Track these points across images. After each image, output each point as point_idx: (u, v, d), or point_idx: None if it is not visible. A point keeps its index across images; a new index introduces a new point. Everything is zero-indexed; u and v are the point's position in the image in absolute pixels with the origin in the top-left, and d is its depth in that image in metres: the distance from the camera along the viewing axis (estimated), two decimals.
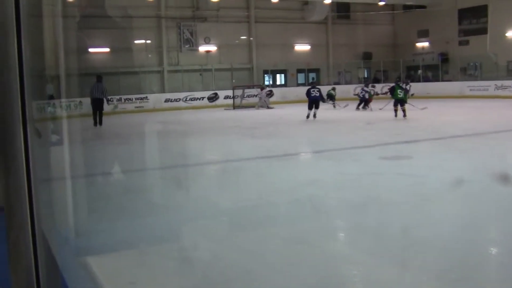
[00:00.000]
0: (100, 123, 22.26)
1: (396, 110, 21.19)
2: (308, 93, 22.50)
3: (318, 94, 22.34)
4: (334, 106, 28.24)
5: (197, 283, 5.14)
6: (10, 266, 1.18)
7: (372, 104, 26.44)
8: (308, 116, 22.15)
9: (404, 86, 22.86)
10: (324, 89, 29.90)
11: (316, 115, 22.02)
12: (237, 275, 5.24)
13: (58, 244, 1.43)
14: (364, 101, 26.58)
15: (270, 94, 34.34)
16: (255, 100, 32.58)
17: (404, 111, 21.02)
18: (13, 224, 1.16)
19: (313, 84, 24.73)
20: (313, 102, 22.15)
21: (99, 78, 23.15)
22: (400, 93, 21.16)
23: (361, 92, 27.29)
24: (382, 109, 23.88)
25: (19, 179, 1.16)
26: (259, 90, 32.64)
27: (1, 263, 1.30)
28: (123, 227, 7.05)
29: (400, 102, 21.16)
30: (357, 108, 26.73)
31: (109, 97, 24.39)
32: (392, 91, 21.51)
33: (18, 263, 1.17)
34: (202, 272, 5.43)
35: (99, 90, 22.62)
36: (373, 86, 28.92)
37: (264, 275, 5.21)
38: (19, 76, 1.18)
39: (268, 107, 31.01)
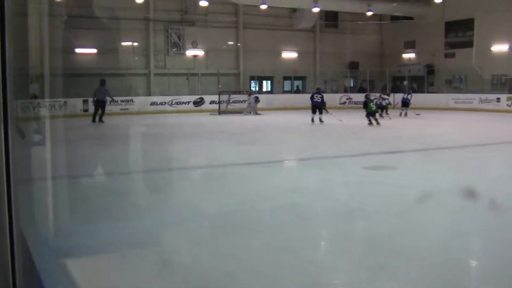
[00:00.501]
0: (101, 120, 25.00)
1: (370, 120, 22.52)
2: (311, 97, 24.22)
3: (320, 100, 23.80)
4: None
5: (178, 287, 5.11)
6: None
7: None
8: (312, 120, 23.59)
9: (407, 96, 28.35)
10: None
11: (322, 120, 23.47)
12: (218, 279, 5.22)
13: (37, 245, 1.41)
14: (382, 109, 26.77)
15: (257, 100, 34.39)
16: (241, 106, 32.59)
17: (376, 120, 22.54)
18: None
19: (318, 90, 25.88)
20: (315, 107, 23.75)
21: (102, 82, 25.74)
22: (372, 106, 22.78)
23: (379, 100, 27.40)
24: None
25: None
26: (247, 96, 32.65)
27: None
28: (104, 229, 7.00)
29: (372, 114, 22.59)
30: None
31: (114, 98, 27.33)
32: (366, 105, 22.92)
33: None
34: (182, 276, 5.41)
35: (102, 93, 25.28)
36: (388, 95, 29.13)
37: (245, 279, 5.20)
38: (1, 75, 1.16)
39: (256, 113, 31.02)
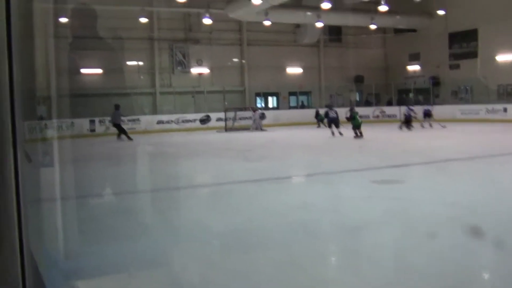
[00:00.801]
0: (128, 138, 26.71)
1: (356, 132, 23.51)
2: (326, 114, 26.14)
3: (335, 115, 25.13)
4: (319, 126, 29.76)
5: None
6: None
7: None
8: (333, 134, 24.55)
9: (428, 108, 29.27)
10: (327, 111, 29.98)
11: (342, 133, 24.30)
12: None
13: (47, 266, 1.41)
14: (408, 120, 26.95)
15: (263, 116, 34.43)
16: (247, 122, 32.62)
17: (361, 132, 23.39)
18: (2, 246, 1.14)
19: (330, 106, 27.00)
20: (332, 122, 25.12)
21: (116, 106, 27.43)
22: (358, 120, 23.64)
23: (407, 111, 27.49)
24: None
25: (9, 200, 1.14)
26: (252, 112, 32.68)
27: None
28: (112, 249, 6.98)
29: (358, 127, 23.50)
30: (400, 127, 27.27)
31: (125, 118, 28.97)
32: (352, 118, 24.11)
33: (5, 285, 1.15)
34: None
35: (116, 116, 27.10)
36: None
37: None
38: (10, 97, 1.17)
39: (262, 129, 31.04)
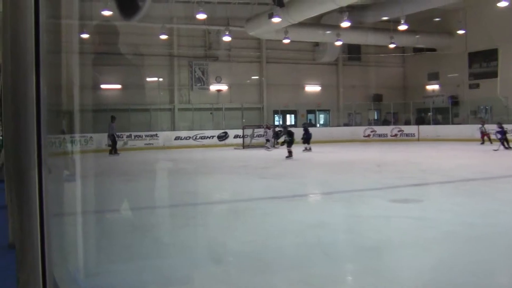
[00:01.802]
0: (115, 152, 27.50)
1: (290, 152, 23.63)
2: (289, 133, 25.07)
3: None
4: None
5: None
6: None
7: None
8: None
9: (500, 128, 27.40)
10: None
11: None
12: None
13: (67, 284, 1.42)
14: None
15: (282, 132, 34.50)
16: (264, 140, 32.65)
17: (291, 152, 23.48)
18: (24, 264, 1.15)
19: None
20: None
21: (112, 118, 27.87)
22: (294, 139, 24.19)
23: (498, 129, 27.21)
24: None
25: (32, 216, 1.15)
26: (265, 129, 32.58)
27: None
28: (131, 268, 6.99)
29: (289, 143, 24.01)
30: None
31: (117, 134, 29.05)
32: (290, 136, 24.44)
33: None
34: None
35: (111, 128, 27.59)
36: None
37: None
38: (36, 111, 1.18)
39: (275, 147, 30.97)
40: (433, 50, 39.51)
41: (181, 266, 7.12)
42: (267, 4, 30.47)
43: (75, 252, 4.33)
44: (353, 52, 41.37)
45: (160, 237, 9.06)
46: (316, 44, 39.71)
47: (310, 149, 28.02)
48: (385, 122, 40.16)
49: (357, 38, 36.76)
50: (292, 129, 30.24)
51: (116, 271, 6.79)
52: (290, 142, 23.99)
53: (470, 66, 38.01)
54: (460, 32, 36.21)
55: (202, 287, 6.35)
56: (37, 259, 1.14)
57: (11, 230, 2.35)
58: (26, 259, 1.16)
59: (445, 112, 38.46)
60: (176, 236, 8.93)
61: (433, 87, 41.38)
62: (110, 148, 27.67)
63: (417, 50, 40.65)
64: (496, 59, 35.91)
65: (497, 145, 26.44)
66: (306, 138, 28.22)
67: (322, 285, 6.08)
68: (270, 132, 31.84)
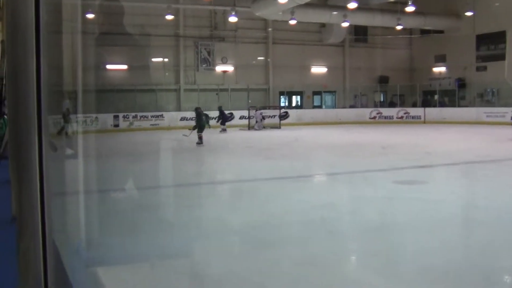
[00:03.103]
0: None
1: (200, 137, 21.50)
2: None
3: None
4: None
5: None
6: (19, 275, 1.20)
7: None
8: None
9: None
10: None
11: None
12: None
13: (69, 254, 1.45)
14: None
15: (286, 115, 34.57)
16: (271, 121, 32.66)
17: (201, 138, 21.40)
18: (24, 234, 1.19)
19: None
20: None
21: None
22: (205, 121, 22.05)
23: None
24: None
25: (32, 189, 1.18)
26: (254, 111, 32.61)
27: (11, 272, 1.32)
28: (133, 241, 7.06)
29: (200, 128, 21.72)
30: None
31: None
32: (199, 119, 22.10)
33: (27, 271, 1.19)
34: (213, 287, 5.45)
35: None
36: None
37: None
38: (37, 91, 1.21)
39: (261, 129, 31.08)
40: (441, 32, 39.21)
41: (185, 241, 7.19)
42: None
43: (78, 226, 4.39)
44: (359, 33, 41.11)
45: (163, 215, 9.13)
46: (323, 25, 39.47)
47: (225, 130, 28.92)
48: (391, 104, 40.01)
49: (364, 20, 36.50)
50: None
51: (118, 243, 6.87)
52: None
53: (477, 49, 37.73)
54: (468, 14, 35.90)
55: (206, 260, 6.42)
56: (37, 228, 1.18)
57: (14, 203, 2.41)
58: (26, 229, 1.19)
59: (452, 95, 38.28)
60: (180, 215, 8.99)
61: (440, 69, 41.13)
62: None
63: (424, 32, 40.34)
64: (504, 42, 35.58)
65: None
66: (223, 120, 28.92)
67: (324, 263, 6.13)
68: (257, 114, 31.86)
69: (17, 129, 1.25)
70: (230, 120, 30.43)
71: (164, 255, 6.42)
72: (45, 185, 1.20)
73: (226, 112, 31.40)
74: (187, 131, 22.94)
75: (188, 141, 21.68)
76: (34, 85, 1.21)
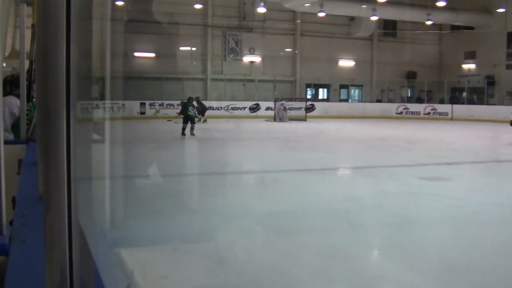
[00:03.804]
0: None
1: (184, 128, 20.36)
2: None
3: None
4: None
5: (231, 281, 5.20)
6: (45, 250, 1.24)
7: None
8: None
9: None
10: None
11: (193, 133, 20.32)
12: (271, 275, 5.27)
13: (93, 234, 1.49)
14: None
15: (312, 108, 34.49)
16: (297, 113, 32.60)
17: (192, 129, 20.23)
18: (50, 211, 1.22)
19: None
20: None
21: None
22: (191, 111, 20.47)
23: None
24: None
25: (59, 172, 1.22)
26: (274, 103, 32.62)
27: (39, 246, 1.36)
28: (158, 225, 7.16)
29: (190, 119, 20.36)
30: None
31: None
32: (184, 108, 20.73)
33: (52, 247, 1.23)
34: (236, 270, 5.50)
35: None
36: None
37: (298, 277, 5.25)
38: (66, 77, 1.23)
39: (285, 121, 30.97)
40: (471, 28, 38.74)
41: (208, 226, 7.25)
42: None
43: (103, 208, 4.46)
44: (388, 27, 40.78)
45: (186, 202, 9.19)
46: (352, 18, 39.24)
47: (205, 120, 28.30)
48: (418, 100, 39.71)
49: (394, 14, 36.22)
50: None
51: (142, 225, 6.97)
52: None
53: (508, 46, 37.23)
54: (500, 10, 35.44)
55: (229, 245, 6.47)
56: (63, 207, 1.21)
57: (40, 183, 2.48)
58: (52, 207, 1.23)
59: (480, 92, 37.86)
60: (202, 202, 9.06)
61: (469, 66, 40.65)
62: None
63: (454, 28, 39.87)
64: None
65: None
66: (201, 110, 27.70)
67: (345, 255, 6.14)
68: (278, 105, 31.79)
69: (46, 113, 1.28)
70: (207, 110, 29.44)
71: (186, 239, 6.49)
72: (72, 168, 1.23)
73: (204, 102, 30.81)
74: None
75: (214, 130, 21.74)
76: (64, 70, 1.24)
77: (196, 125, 20.54)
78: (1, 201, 2.11)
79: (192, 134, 20.09)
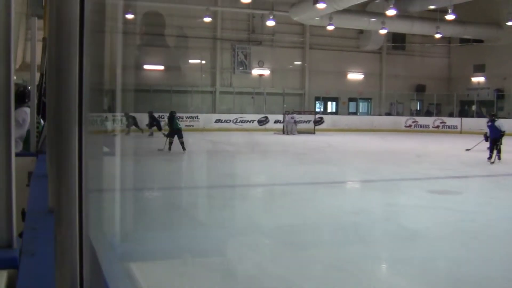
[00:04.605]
0: None
1: (171, 143, 19.03)
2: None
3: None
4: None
5: None
6: (55, 264, 1.25)
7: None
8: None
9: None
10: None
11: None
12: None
13: (103, 249, 1.50)
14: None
15: (321, 121, 34.54)
16: (306, 126, 32.59)
17: (182, 144, 18.85)
18: (61, 224, 1.23)
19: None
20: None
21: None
22: (178, 123, 19.55)
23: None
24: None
25: (71, 183, 1.22)
26: (283, 115, 32.60)
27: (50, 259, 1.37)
28: (167, 239, 7.15)
29: (178, 133, 19.12)
30: None
31: None
32: (171, 121, 19.64)
33: (63, 260, 1.24)
34: (245, 284, 5.48)
35: None
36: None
37: None
38: (79, 89, 1.24)
39: (294, 134, 30.98)
40: (480, 41, 38.66)
41: (217, 240, 7.24)
42: None
43: (113, 221, 4.48)
44: (397, 41, 40.78)
45: (197, 214, 9.19)
46: (361, 31, 39.26)
47: (152, 134, 26.65)
48: (428, 113, 39.61)
49: (402, 27, 36.19)
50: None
51: (152, 239, 6.97)
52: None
53: None
54: (510, 23, 35.32)
55: (238, 259, 6.46)
56: (74, 220, 1.22)
57: (50, 196, 2.48)
58: (63, 220, 1.23)
59: (490, 105, 37.68)
60: (213, 215, 9.05)
61: (478, 79, 40.53)
62: None
63: (463, 41, 39.80)
64: None
65: None
66: (151, 123, 26.18)
67: (354, 269, 6.11)
68: (288, 118, 31.86)
69: (57, 126, 1.29)
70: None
71: (196, 252, 6.48)
72: (83, 179, 1.23)
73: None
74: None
75: (224, 143, 21.72)
76: (76, 82, 1.24)
77: (177, 138, 19.26)
78: (12, 214, 2.11)
79: (183, 149, 18.81)
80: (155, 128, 26.17)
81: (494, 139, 17.70)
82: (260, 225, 8.29)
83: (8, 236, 2.10)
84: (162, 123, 25.33)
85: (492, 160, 17.35)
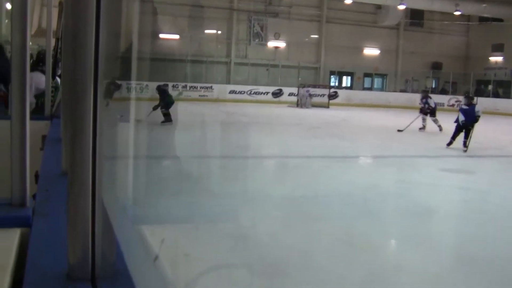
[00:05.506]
0: None
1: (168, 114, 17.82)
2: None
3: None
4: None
5: (247, 259, 5.25)
6: (68, 224, 1.27)
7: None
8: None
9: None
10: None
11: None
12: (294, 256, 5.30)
13: (116, 211, 1.52)
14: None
15: (335, 95, 34.39)
16: (320, 99, 32.48)
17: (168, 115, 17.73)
18: (75, 186, 1.25)
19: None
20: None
21: None
22: (172, 97, 18.82)
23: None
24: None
25: (85, 147, 1.24)
26: (297, 89, 32.62)
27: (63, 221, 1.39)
28: (179, 204, 7.20)
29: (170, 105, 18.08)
30: None
31: None
32: (164, 95, 18.59)
33: (75, 221, 1.26)
34: (250, 249, 5.55)
35: None
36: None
37: (320, 260, 5.29)
38: (95, 55, 1.25)
39: (307, 107, 30.91)
40: (500, 20, 38.14)
41: (228, 207, 7.29)
42: None
43: (126, 186, 4.52)
44: (415, 17, 40.31)
45: (208, 184, 9.24)
46: (379, 6, 38.82)
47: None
48: (443, 91, 39.24)
49: (421, 3, 35.75)
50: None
51: (165, 204, 7.03)
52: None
53: None
54: None
55: (250, 226, 6.51)
56: (87, 181, 1.24)
57: (64, 159, 2.52)
58: (76, 181, 1.25)
59: (507, 86, 37.32)
60: (224, 185, 9.10)
61: (496, 59, 40.07)
62: None
63: (482, 19, 39.24)
64: None
65: None
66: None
67: (363, 243, 6.15)
68: (302, 92, 31.85)
69: (73, 91, 1.31)
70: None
71: (208, 218, 6.54)
72: (97, 144, 1.25)
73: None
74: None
75: (239, 114, 21.70)
76: (92, 48, 1.26)
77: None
78: (26, 175, 2.15)
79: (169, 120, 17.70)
80: None
81: (467, 125, 15.79)
82: (273, 195, 8.34)
83: (22, 195, 2.15)
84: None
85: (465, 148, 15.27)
